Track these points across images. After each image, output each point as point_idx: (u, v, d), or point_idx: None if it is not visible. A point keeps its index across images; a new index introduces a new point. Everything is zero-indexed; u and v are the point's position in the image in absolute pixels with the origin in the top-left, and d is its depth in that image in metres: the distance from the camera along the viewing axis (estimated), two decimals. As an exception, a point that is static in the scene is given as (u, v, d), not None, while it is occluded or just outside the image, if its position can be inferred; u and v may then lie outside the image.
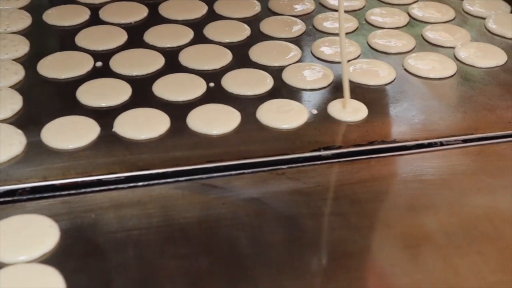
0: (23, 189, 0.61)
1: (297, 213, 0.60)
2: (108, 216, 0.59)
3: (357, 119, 0.71)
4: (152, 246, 0.56)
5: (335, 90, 0.76)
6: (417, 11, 0.93)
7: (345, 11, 0.92)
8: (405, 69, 0.80)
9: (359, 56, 0.83)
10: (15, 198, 0.60)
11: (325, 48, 0.83)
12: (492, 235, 0.57)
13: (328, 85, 0.77)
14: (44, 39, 0.87)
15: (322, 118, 0.71)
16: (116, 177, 0.63)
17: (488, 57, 0.82)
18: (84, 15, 0.91)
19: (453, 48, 0.84)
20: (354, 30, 0.89)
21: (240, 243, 0.56)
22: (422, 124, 0.71)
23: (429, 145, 0.68)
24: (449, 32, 0.88)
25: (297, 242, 0.57)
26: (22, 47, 0.82)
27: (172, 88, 0.75)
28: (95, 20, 0.90)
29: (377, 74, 0.78)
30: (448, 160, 0.67)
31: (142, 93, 0.74)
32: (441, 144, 0.68)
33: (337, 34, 0.84)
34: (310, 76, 0.78)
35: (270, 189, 0.63)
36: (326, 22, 0.90)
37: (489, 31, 0.89)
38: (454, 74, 0.80)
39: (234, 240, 0.57)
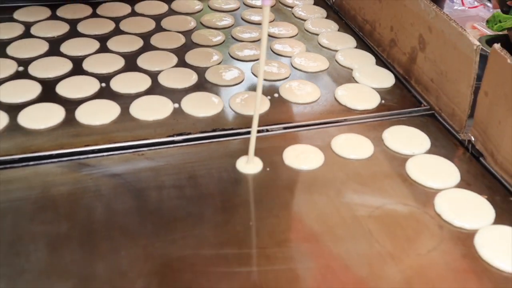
0: None
1: (146, 186, 0.55)
2: (-2, 189, 0.53)
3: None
4: (27, 213, 0.51)
5: (195, 88, 0.71)
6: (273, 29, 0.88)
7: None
8: (253, 73, 0.75)
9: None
10: None
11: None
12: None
13: (191, 85, 0.71)
14: None
15: (180, 111, 0.66)
16: (11, 158, 0.57)
17: (314, 64, 0.78)
18: None
19: (291, 57, 0.80)
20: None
21: (95, 210, 0.52)
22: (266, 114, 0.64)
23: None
24: (291, 44, 0.83)
25: (140, 210, 0.52)
26: None
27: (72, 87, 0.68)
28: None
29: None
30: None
31: (47, 91, 0.68)
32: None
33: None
34: (179, 77, 0.72)
35: (130, 167, 0.58)
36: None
37: (321, 45, 0.85)
38: (288, 77, 0.75)
39: (92, 208, 0.52)
